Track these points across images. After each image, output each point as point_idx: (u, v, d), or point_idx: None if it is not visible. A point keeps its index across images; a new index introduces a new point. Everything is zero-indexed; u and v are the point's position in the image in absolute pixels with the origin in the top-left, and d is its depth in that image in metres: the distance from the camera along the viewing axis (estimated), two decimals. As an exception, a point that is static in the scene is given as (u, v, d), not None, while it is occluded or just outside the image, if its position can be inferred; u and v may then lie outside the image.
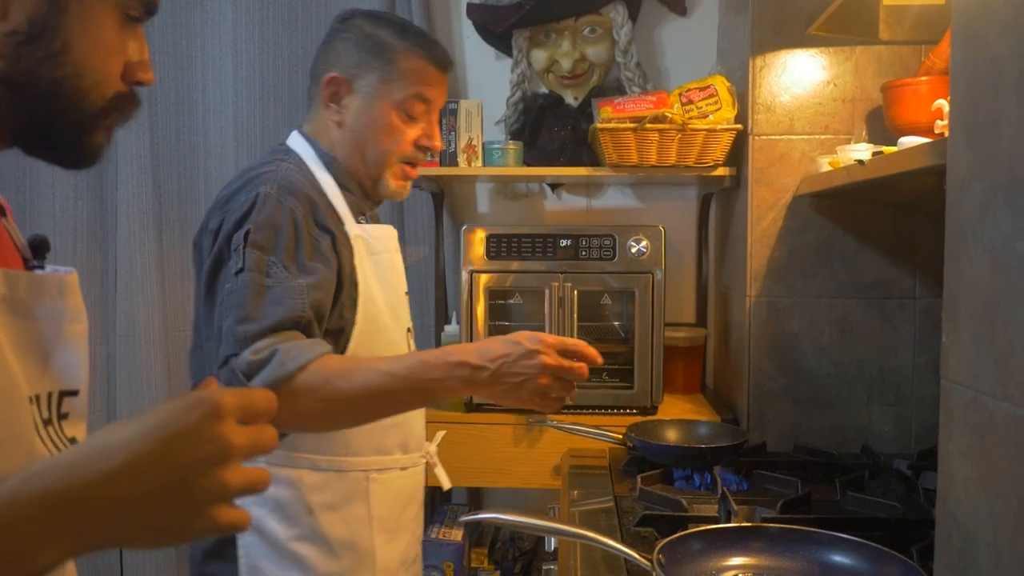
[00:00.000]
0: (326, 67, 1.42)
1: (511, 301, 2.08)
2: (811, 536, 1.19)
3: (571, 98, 2.37)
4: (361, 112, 1.41)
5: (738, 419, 1.99)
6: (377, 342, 1.40)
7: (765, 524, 1.27)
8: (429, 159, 1.53)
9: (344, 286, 1.35)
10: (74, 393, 0.74)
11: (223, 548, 1.36)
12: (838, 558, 1.14)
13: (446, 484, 1.56)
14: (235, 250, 1.26)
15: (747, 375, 1.94)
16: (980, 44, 0.68)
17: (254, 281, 1.24)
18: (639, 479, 1.55)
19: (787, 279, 1.91)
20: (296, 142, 1.45)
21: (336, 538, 1.38)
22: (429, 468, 1.54)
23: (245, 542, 1.35)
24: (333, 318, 1.34)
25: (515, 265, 2.05)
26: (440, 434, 1.63)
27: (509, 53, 2.38)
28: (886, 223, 1.88)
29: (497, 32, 2.36)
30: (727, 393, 2.17)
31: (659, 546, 1.10)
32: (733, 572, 1.13)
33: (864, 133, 1.87)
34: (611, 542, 1.10)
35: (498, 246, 2.04)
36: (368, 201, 1.49)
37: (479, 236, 2.05)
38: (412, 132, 1.43)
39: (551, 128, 2.32)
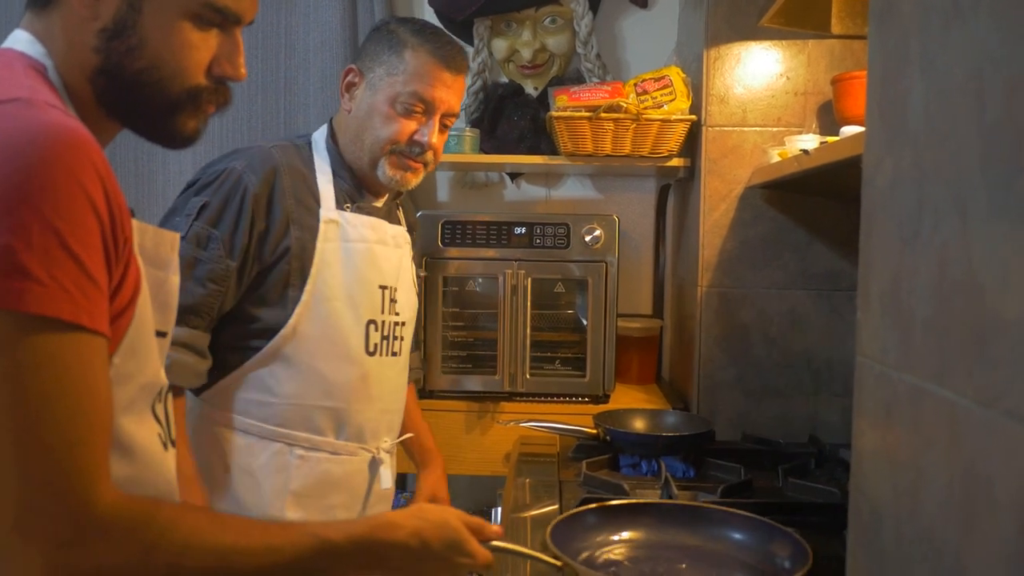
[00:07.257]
0: (353, 62, 1.52)
1: (466, 288, 2.08)
2: (704, 512, 1.20)
3: (531, 88, 2.37)
4: (364, 100, 1.48)
5: (689, 408, 2.00)
6: (324, 328, 1.44)
7: (660, 501, 1.29)
8: (416, 154, 1.50)
9: (291, 262, 1.41)
10: (165, 335, 0.91)
11: None
12: (729, 533, 1.16)
13: (385, 483, 1.56)
14: (187, 215, 1.36)
15: (697, 365, 1.95)
16: (892, 17, 0.69)
17: (187, 252, 1.32)
18: (584, 464, 1.55)
19: (738, 270, 1.92)
20: (319, 131, 1.54)
21: (247, 502, 1.41)
22: (376, 463, 1.54)
23: None
24: (275, 291, 1.40)
25: (470, 252, 2.04)
26: (408, 436, 1.67)
27: (470, 42, 2.37)
28: (835, 215, 1.90)
29: (458, 20, 2.35)
30: (681, 383, 2.18)
31: (554, 521, 1.11)
32: (614, 546, 1.15)
33: (815, 125, 1.89)
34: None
35: (453, 233, 2.04)
36: (363, 191, 1.54)
37: (434, 223, 2.05)
38: (409, 125, 1.47)
39: (511, 117, 2.31)
